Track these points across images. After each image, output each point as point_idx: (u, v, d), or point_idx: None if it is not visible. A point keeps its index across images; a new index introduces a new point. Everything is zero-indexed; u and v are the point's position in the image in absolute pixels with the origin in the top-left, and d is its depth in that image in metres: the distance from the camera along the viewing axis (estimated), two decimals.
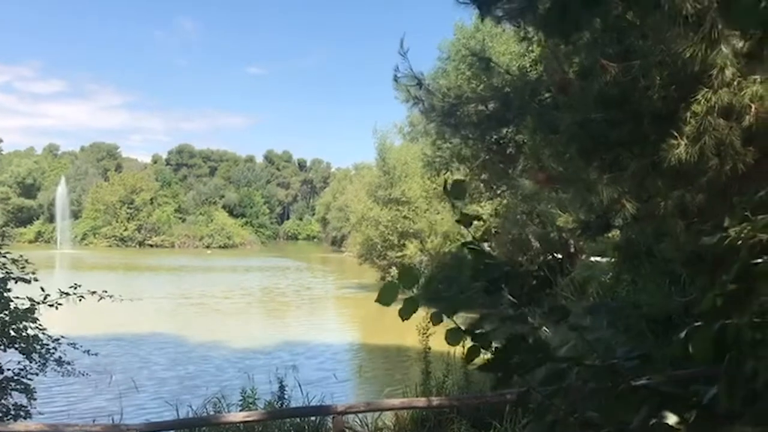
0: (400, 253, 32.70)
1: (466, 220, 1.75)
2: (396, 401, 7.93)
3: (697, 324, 1.28)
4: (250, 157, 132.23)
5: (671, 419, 1.32)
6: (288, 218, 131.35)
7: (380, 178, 35.83)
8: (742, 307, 1.35)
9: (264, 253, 79.90)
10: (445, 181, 1.78)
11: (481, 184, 24.66)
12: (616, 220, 6.01)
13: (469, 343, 1.67)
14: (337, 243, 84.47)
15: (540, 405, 1.57)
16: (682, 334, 1.29)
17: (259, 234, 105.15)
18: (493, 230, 29.95)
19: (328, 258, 71.23)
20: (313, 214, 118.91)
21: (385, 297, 1.63)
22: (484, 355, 1.65)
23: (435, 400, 7.47)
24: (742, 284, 1.41)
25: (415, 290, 1.63)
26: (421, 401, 7.56)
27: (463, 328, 1.66)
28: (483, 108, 7.24)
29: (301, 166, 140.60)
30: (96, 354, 8.95)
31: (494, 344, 1.61)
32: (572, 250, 20.77)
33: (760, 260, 1.43)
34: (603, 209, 5.81)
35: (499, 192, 24.09)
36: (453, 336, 1.68)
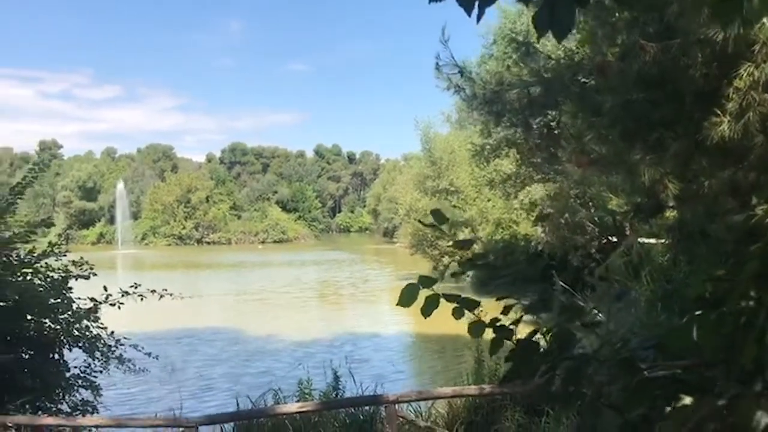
0: (450, 243, 32.51)
1: (459, 246, 1.79)
2: (447, 390, 7.97)
3: (698, 312, 1.28)
4: (300, 153, 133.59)
5: (686, 405, 1.33)
6: (339, 211, 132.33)
7: (427, 169, 35.73)
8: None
9: (317, 247, 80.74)
10: (433, 211, 1.82)
11: (531, 169, 24.34)
12: (669, 201, 5.89)
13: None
14: (389, 234, 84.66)
15: (563, 392, 1.59)
16: (685, 321, 1.30)
17: (312, 228, 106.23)
18: (546, 214, 29.61)
19: (380, 249, 71.50)
20: (364, 206, 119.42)
21: (405, 299, 1.68)
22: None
23: (486, 388, 7.48)
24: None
25: (434, 289, 1.67)
26: (472, 389, 7.58)
27: (486, 321, 1.69)
28: (525, 93, 7.17)
29: (351, 158, 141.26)
30: (156, 357, 9.23)
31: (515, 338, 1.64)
32: (627, 232, 20.35)
33: None
34: (650, 191, 5.70)
35: (548, 177, 23.74)
36: (476, 329, 1.72)
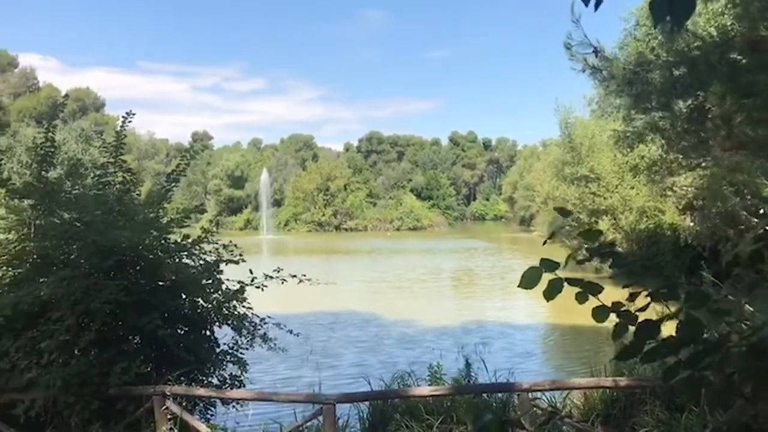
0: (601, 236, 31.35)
1: (586, 236, 1.78)
2: (582, 380, 7.80)
3: None
4: (435, 140, 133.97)
5: None
6: (474, 199, 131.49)
7: (566, 155, 34.63)
8: None
9: (451, 235, 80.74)
10: (557, 209, 1.83)
11: (679, 156, 22.98)
12: None
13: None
14: (526, 222, 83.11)
15: (688, 379, 1.56)
16: None
17: (446, 215, 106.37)
18: (694, 204, 27.82)
19: (517, 238, 70.30)
20: (500, 194, 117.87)
21: (527, 281, 1.71)
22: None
23: (623, 381, 7.25)
24: None
25: (557, 274, 1.68)
26: (608, 381, 7.36)
27: (609, 305, 1.69)
28: (668, 74, 6.81)
29: (486, 145, 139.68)
30: (298, 334, 9.73)
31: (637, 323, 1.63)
32: None
33: None
34: None
35: (698, 164, 22.30)
36: (599, 313, 1.72)
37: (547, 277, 1.72)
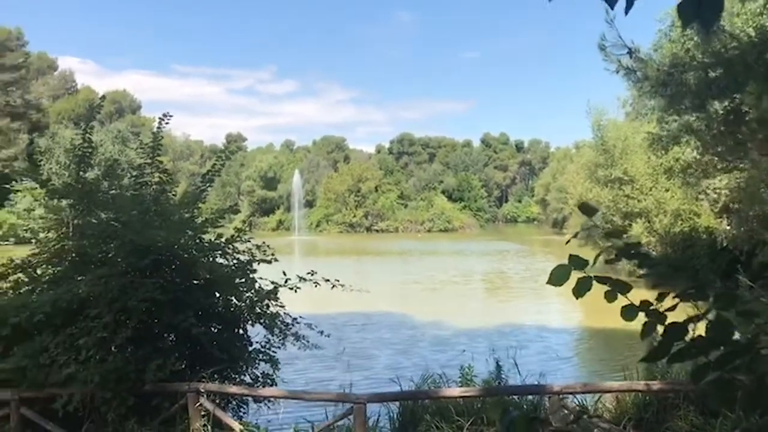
0: (624, 235, 30.99)
1: (611, 235, 1.79)
2: (614, 384, 7.72)
3: None
4: (467, 142, 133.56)
5: None
6: (506, 201, 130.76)
7: (599, 157, 34.26)
8: None
9: (483, 237, 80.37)
10: (581, 204, 1.83)
11: (715, 158, 22.58)
12: None
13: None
14: (558, 225, 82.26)
15: (717, 381, 1.57)
16: None
17: (477, 217, 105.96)
18: (730, 207, 27.31)
19: (549, 241, 69.59)
20: (532, 196, 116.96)
21: (555, 279, 1.74)
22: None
23: (656, 384, 7.17)
24: None
25: (585, 272, 1.70)
26: (640, 385, 7.28)
27: (636, 304, 1.71)
28: (703, 75, 6.73)
29: (519, 147, 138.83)
30: (329, 335, 9.78)
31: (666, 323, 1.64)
32: None
33: None
34: None
35: (734, 166, 21.90)
36: (628, 312, 1.74)
37: (576, 275, 1.74)
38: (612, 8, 1.27)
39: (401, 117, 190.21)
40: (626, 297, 1.73)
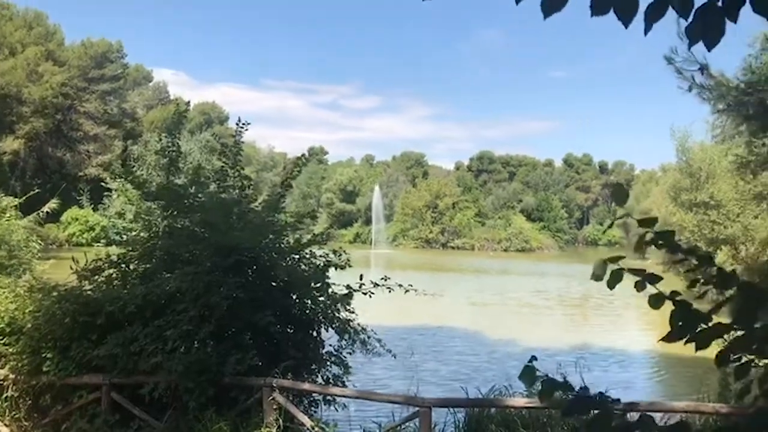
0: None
1: (641, 224, 1.94)
2: (681, 404, 7.61)
3: None
4: (548, 162, 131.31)
5: None
6: (587, 223, 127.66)
7: (683, 180, 33.24)
8: None
9: (561, 258, 78.76)
10: (614, 186, 1.98)
11: None
12: None
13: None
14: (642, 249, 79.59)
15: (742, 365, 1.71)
16: None
17: (556, 238, 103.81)
18: None
19: (630, 265, 67.43)
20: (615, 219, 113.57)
21: (596, 274, 1.93)
22: None
23: (724, 408, 7.05)
24: None
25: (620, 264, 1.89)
26: (708, 407, 7.17)
27: (666, 293, 1.89)
28: None
29: (602, 168, 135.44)
30: (390, 351, 9.90)
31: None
32: None
33: None
34: None
35: None
36: (655, 300, 1.92)
37: (611, 268, 1.94)
38: (626, 27, 1.48)
39: (482, 135, 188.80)
40: (654, 287, 1.90)
